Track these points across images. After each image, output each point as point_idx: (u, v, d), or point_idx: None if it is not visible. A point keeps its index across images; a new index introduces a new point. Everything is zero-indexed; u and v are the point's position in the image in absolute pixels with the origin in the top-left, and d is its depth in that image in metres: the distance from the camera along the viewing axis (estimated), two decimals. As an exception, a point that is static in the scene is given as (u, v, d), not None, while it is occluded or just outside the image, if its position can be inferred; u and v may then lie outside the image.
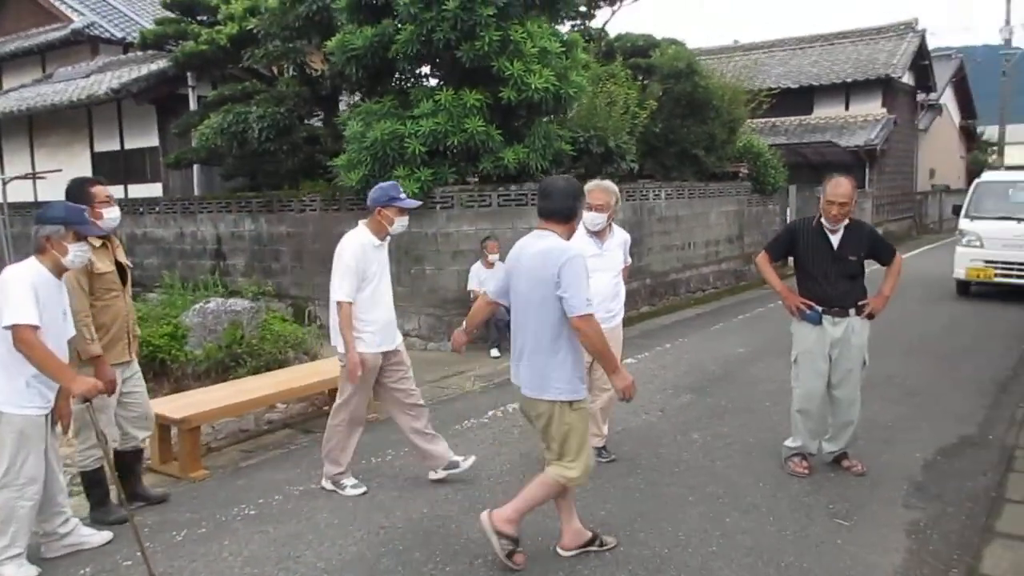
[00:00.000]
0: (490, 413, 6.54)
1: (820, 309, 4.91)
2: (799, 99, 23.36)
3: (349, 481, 4.87)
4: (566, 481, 3.75)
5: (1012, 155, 40.63)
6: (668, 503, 4.58)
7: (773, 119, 22.36)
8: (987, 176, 12.94)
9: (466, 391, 7.31)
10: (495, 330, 8.97)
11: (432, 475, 4.97)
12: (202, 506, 4.69)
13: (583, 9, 11.71)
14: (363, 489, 4.83)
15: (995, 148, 38.36)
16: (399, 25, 8.73)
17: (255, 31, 11.02)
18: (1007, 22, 36.06)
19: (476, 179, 9.51)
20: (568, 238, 3.75)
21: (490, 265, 9.10)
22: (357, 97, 11.15)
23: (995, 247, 11.51)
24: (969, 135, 35.91)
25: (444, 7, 8.34)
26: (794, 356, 5.08)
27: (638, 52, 13.06)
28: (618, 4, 13.15)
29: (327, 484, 4.89)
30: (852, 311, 4.89)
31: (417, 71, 9.34)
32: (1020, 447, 5.44)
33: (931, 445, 5.48)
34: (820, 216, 4.96)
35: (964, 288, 12.19)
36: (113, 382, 4.22)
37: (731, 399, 6.69)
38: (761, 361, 7.99)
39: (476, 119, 8.73)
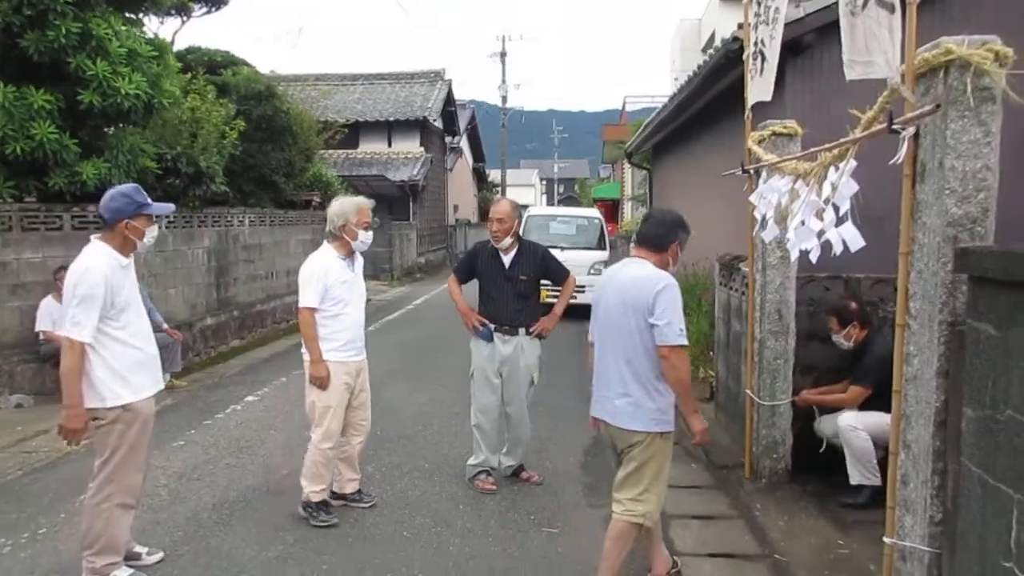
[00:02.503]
0: (117, 475, 5.42)
1: (492, 327, 5.13)
2: (346, 134, 24.20)
3: (124, 572, 3.76)
4: (637, 519, 3.48)
5: (514, 195, 47.37)
6: (387, 543, 4.31)
7: (322, 151, 22.79)
8: (533, 211, 14.92)
9: (68, 452, 5.94)
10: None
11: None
12: None
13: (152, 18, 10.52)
14: None
15: (499, 188, 44.37)
16: (-65, -2, 6.88)
17: None
18: (503, 82, 42.09)
19: (36, 196, 7.90)
20: (664, 268, 3.48)
21: (65, 299, 7.62)
22: None
23: (545, 272, 13.27)
24: (480, 176, 40.95)
25: (6, -16, 6.82)
26: (471, 371, 5.22)
27: (215, 68, 12.19)
28: (186, 16, 12.13)
29: None
30: (522, 330, 5.19)
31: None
32: (640, 440, 6.31)
33: (577, 449, 6.07)
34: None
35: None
36: None
37: (381, 427, 6.55)
38: (389, 386, 8.01)
39: (46, 124, 7.27)
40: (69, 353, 3.55)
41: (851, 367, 5.03)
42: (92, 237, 3.81)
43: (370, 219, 4.61)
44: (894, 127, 2.84)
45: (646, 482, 3.47)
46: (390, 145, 24.90)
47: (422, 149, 24.69)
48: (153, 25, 10.78)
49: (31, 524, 4.54)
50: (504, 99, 42.17)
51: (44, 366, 7.67)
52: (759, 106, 5.37)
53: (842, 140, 3.35)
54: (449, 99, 27.07)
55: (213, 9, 12.42)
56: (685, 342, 3.35)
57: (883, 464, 4.67)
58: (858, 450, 4.77)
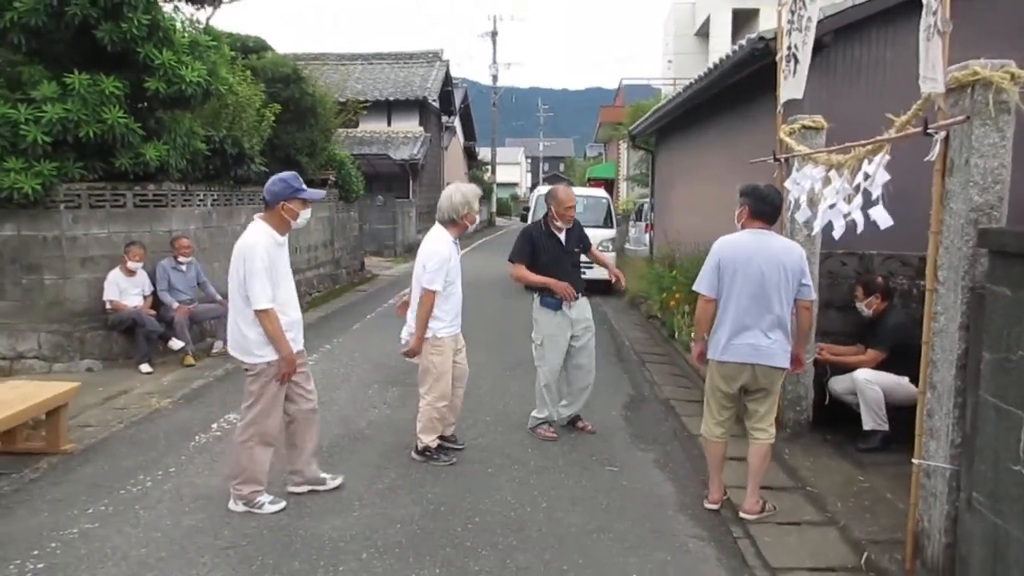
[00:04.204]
0: (215, 426, 6.10)
1: (554, 298, 5.82)
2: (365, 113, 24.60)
3: (266, 498, 4.45)
4: (773, 440, 4.51)
5: (501, 173, 47.87)
6: (476, 478, 5.02)
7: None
8: (544, 189, 15.55)
9: (157, 408, 6.59)
10: (144, 342, 8.13)
11: (293, 488, 4.71)
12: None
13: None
14: (283, 504, 4.49)
15: (488, 166, 44.87)
16: (20, -10, 7.38)
17: None
18: (494, 61, 42.45)
19: (97, 175, 8.42)
20: None
21: (131, 273, 8.21)
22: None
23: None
24: (470, 155, 41.43)
25: (85, -21, 7.33)
26: (540, 340, 5.89)
27: (248, 53, 12.67)
28: (217, 4, 12.54)
29: (238, 506, 4.43)
30: (579, 294, 5.91)
31: (34, 46, 7.88)
32: (672, 399, 7.06)
33: (616, 404, 6.82)
34: (549, 219, 5.88)
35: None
36: None
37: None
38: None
39: (116, 109, 7.82)
40: (265, 321, 4.22)
41: (869, 333, 5.78)
42: (255, 216, 4.46)
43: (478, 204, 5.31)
44: (928, 131, 3.55)
45: (775, 408, 4.52)
46: (389, 124, 25.36)
47: (421, 128, 25.21)
48: (188, 12, 11.10)
49: (159, 464, 5.20)
50: (495, 78, 42.66)
51: (111, 333, 8.28)
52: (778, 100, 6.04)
53: (877, 138, 4.05)
54: (447, 79, 27.56)
55: (243, -5, 12.88)
56: (815, 296, 4.64)
57: (890, 415, 5.48)
58: (871, 400, 5.53)
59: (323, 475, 4.76)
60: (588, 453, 5.55)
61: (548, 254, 5.86)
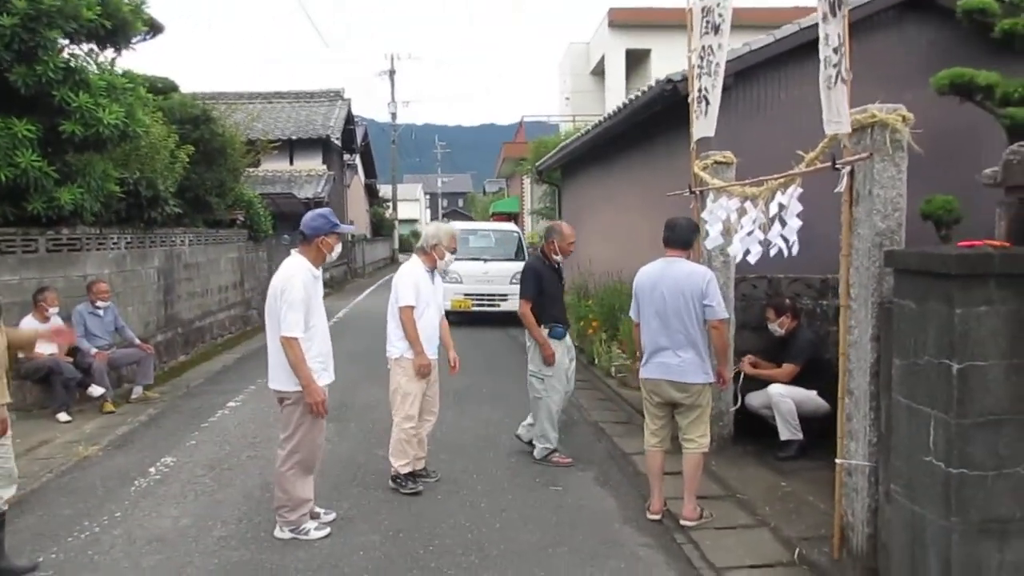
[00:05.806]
0: (153, 469, 6.01)
1: (561, 327, 6.14)
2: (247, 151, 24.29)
3: (312, 524, 4.59)
4: (705, 449, 4.81)
5: (402, 210, 47.87)
6: (428, 504, 5.18)
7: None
8: (456, 225, 15.81)
9: (86, 456, 6.41)
10: (62, 391, 7.88)
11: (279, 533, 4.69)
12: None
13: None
14: (327, 530, 4.62)
15: (389, 203, 44.88)
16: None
17: None
18: (392, 100, 42.71)
19: (6, 220, 8.17)
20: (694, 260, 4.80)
21: (46, 320, 7.96)
22: None
23: (471, 282, 14.25)
24: (371, 192, 41.38)
25: (-2, 22, 7.20)
26: (550, 372, 6.09)
27: (157, 94, 12.43)
28: (119, 48, 12.28)
29: (284, 533, 4.61)
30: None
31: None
32: (600, 422, 7.39)
33: (550, 429, 7.07)
34: (547, 254, 6.24)
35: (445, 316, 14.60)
36: (5, 421, 4.03)
37: (377, 420, 7.28)
38: (367, 389, 8.67)
39: (30, 153, 7.64)
40: (289, 348, 4.36)
41: (783, 351, 6.27)
42: (292, 251, 4.65)
43: (456, 245, 5.63)
44: (837, 166, 4.02)
45: (705, 420, 4.84)
46: (292, 163, 25.13)
47: (324, 167, 25.10)
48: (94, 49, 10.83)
49: (103, 510, 5.11)
50: (394, 116, 42.90)
51: (24, 383, 7.98)
52: (687, 136, 6.51)
53: (789, 172, 4.53)
54: (349, 118, 27.61)
55: (149, 37, 12.68)
56: (726, 315, 4.78)
57: (802, 425, 5.96)
58: (785, 412, 6.01)
59: (318, 510, 4.85)
60: (531, 476, 5.79)
61: (551, 286, 6.18)
